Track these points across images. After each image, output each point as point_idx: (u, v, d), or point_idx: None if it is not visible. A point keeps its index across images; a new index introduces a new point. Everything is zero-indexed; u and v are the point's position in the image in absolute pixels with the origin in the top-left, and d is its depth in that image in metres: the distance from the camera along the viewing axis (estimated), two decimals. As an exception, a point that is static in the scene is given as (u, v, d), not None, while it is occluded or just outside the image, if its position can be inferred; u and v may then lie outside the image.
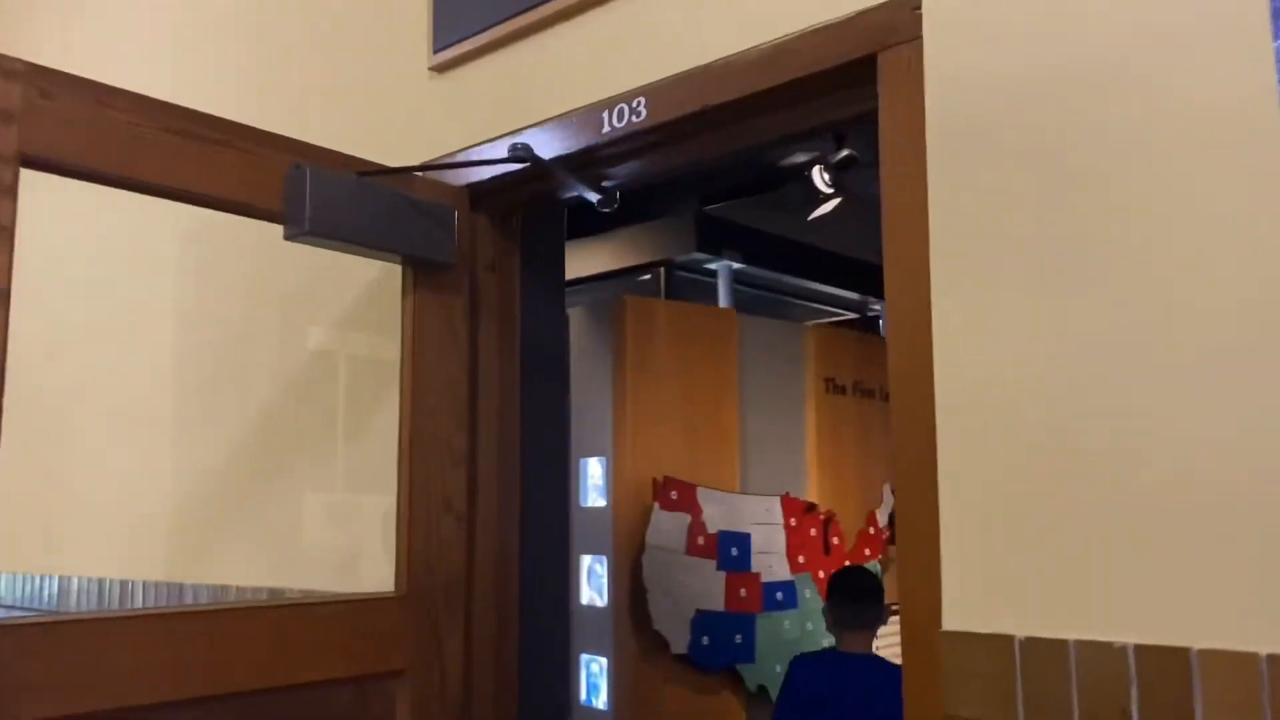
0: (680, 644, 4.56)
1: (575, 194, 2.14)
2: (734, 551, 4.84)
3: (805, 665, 3.80)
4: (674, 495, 4.66)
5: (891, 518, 5.68)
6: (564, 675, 2.46)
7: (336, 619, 1.94)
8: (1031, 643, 1.38)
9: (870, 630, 3.69)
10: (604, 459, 4.75)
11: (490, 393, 2.29)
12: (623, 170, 2.13)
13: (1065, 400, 1.39)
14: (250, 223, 1.94)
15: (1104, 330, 1.36)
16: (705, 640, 4.64)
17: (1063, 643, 1.35)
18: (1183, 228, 1.31)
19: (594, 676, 4.76)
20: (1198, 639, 1.24)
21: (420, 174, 2.17)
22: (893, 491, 5.41)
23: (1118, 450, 1.34)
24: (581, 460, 4.91)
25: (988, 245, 1.49)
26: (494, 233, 2.34)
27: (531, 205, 2.39)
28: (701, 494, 4.76)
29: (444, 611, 2.11)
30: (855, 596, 3.74)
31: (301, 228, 1.88)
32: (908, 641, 1.51)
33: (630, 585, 4.52)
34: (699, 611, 4.65)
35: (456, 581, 2.14)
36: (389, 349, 2.18)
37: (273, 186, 1.87)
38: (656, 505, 4.60)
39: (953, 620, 1.46)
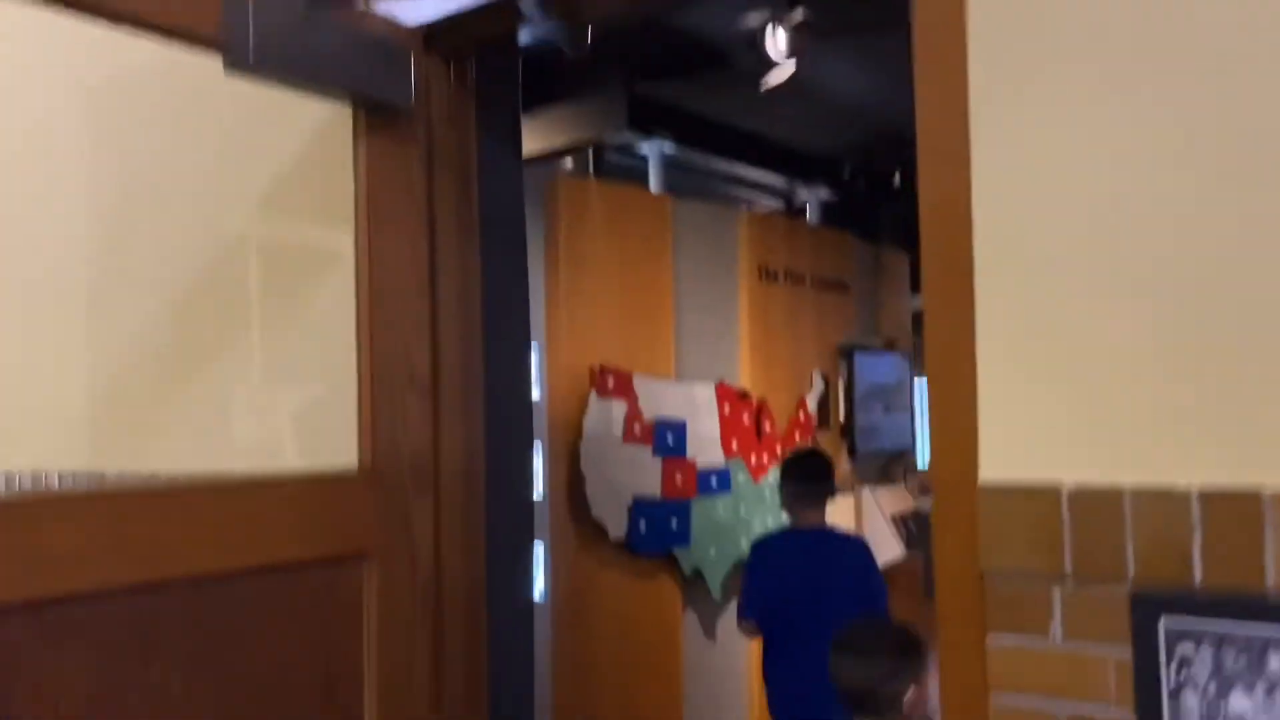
0: (617, 530, 4.50)
1: (541, 33, 1.93)
2: (669, 438, 4.77)
3: (769, 545, 3.80)
4: (611, 383, 4.55)
5: (821, 403, 5.69)
6: (529, 563, 2.34)
7: (296, 498, 1.77)
8: (1081, 491, 1.30)
9: (823, 506, 3.76)
10: (537, 347, 4.59)
11: (449, 256, 2.10)
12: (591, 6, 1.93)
13: (1125, 221, 1.29)
14: (178, 72, 1.70)
15: (1172, 141, 1.25)
16: (642, 526, 4.60)
17: (1116, 490, 1.28)
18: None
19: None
20: (1272, 479, 1.17)
21: (373, 10, 1.94)
22: (823, 378, 5.36)
23: (1184, 274, 1.25)
24: (512, 348, 4.76)
25: (1040, 37, 1.36)
26: (450, 82, 2.12)
27: (489, 52, 2.18)
28: (638, 382, 4.66)
29: (412, 490, 1.97)
30: (812, 476, 3.76)
31: (244, 59, 1.65)
32: (941, 496, 1.42)
33: (568, 475, 4.42)
34: (636, 498, 4.58)
35: (424, 459, 1.99)
36: (333, 214, 1.97)
37: (212, 9, 1.63)
38: (593, 393, 4.48)
39: (991, 470, 1.38)
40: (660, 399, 4.75)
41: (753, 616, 3.64)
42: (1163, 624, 1.24)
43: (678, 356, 4.95)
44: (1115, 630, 1.28)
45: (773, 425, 5.32)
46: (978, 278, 1.40)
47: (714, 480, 4.96)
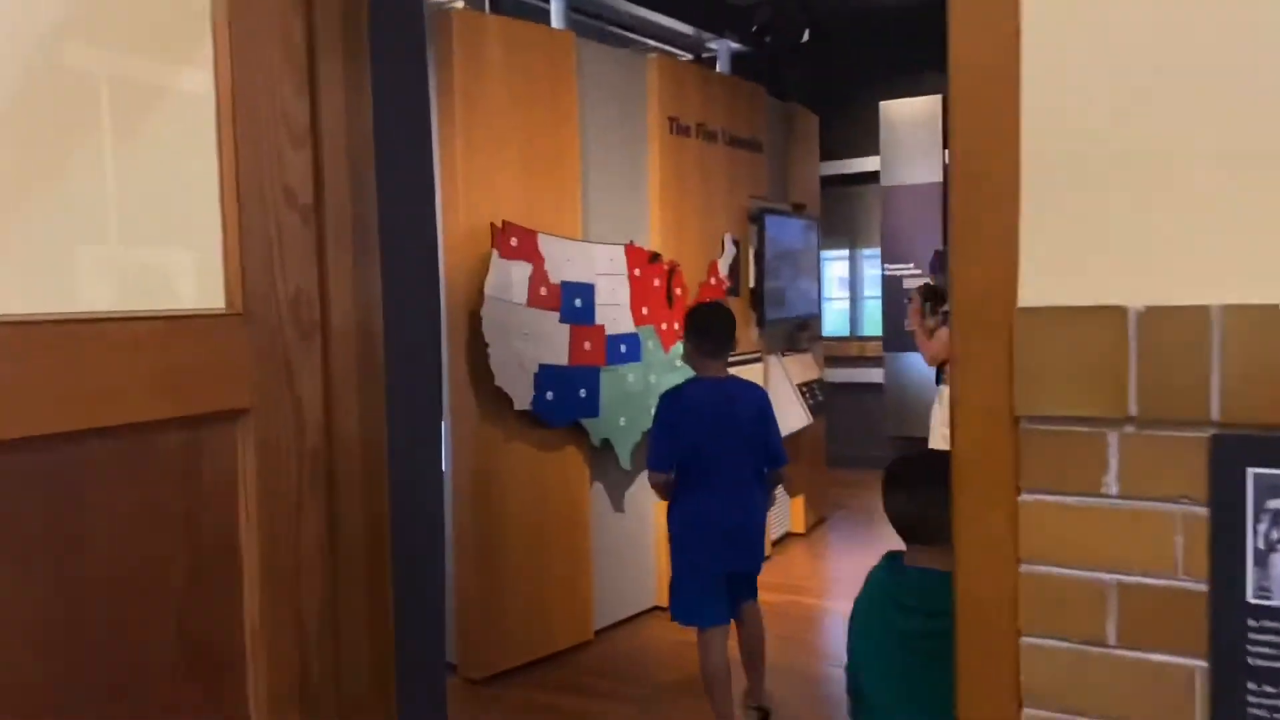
0: (523, 400, 4.21)
1: None
2: (578, 303, 4.46)
3: (675, 394, 3.58)
4: (514, 242, 4.18)
5: (732, 267, 5.42)
6: (438, 428, 2.01)
7: (151, 343, 1.40)
8: (1154, 314, 1.04)
9: (725, 359, 3.59)
10: (431, 201, 4.18)
11: (331, 53, 1.70)
12: None
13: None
14: None
15: None
16: (549, 395, 4.31)
17: (1201, 309, 1.02)
18: None
19: (427, 440, 4.37)
20: None
21: None
22: (734, 243, 5.08)
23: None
24: (403, 204, 4.33)
25: None
26: None
27: None
28: (543, 241, 4.30)
29: (293, 336, 1.61)
30: (715, 328, 3.56)
31: None
32: (964, 325, 1.15)
33: (467, 342, 4.08)
34: (542, 366, 4.28)
35: (308, 298, 1.63)
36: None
37: None
38: (495, 253, 4.11)
39: (1034, 293, 1.11)
40: (567, 261, 4.41)
41: (665, 468, 3.45)
42: (1251, 475, 1.01)
43: (585, 215, 4.59)
44: (1188, 483, 1.04)
45: (684, 290, 5.05)
46: (1024, 43, 1.10)
47: (623, 347, 4.69)
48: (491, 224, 4.10)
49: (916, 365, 8.56)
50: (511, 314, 4.15)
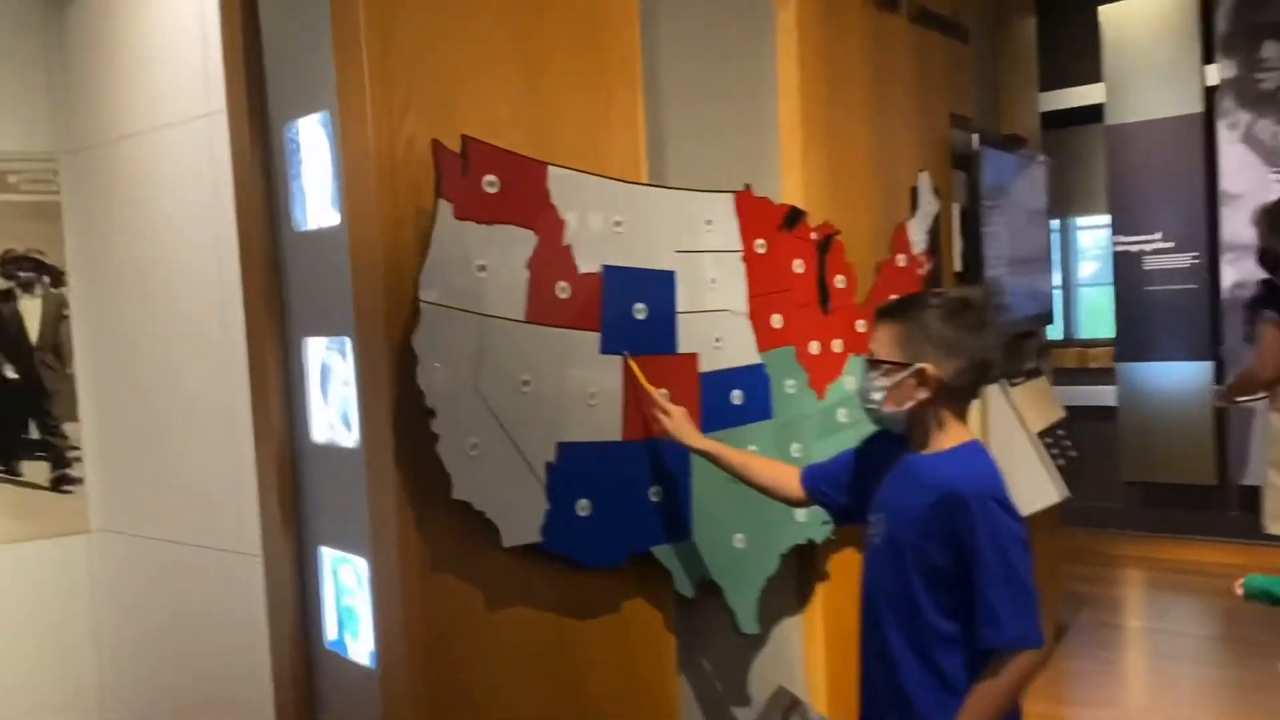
0: (524, 525, 1.98)
1: None
2: (638, 310, 2.20)
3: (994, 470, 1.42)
4: (490, 184, 1.94)
5: (932, 234, 3.07)
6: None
7: None
8: None
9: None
10: (325, 115, 2.00)
11: None
12: None
13: None
14: None
15: None
16: (583, 507, 2.07)
17: None
18: None
19: (347, 593, 2.19)
20: None
21: None
22: (934, 192, 2.67)
23: None
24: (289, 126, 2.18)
25: None
26: None
27: None
28: (560, 184, 2.06)
29: None
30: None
31: None
32: None
33: (395, 400, 1.87)
34: (565, 449, 2.05)
35: None
36: None
37: None
38: (445, 206, 1.88)
39: None
40: (614, 227, 2.16)
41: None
42: None
43: (655, 135, 2.33)
44: None
45: (850, 277, 2.73)
46: None
47: (737, 395, 2.41)
48: (434, 143, 1.88)
49: (1163, 379, 6.00)
50: (488, 340, 1.93)
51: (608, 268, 2.12)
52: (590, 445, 2.09)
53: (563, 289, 2.04)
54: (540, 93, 2.07)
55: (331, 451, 2.16)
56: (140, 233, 3.30)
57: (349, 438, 2.07)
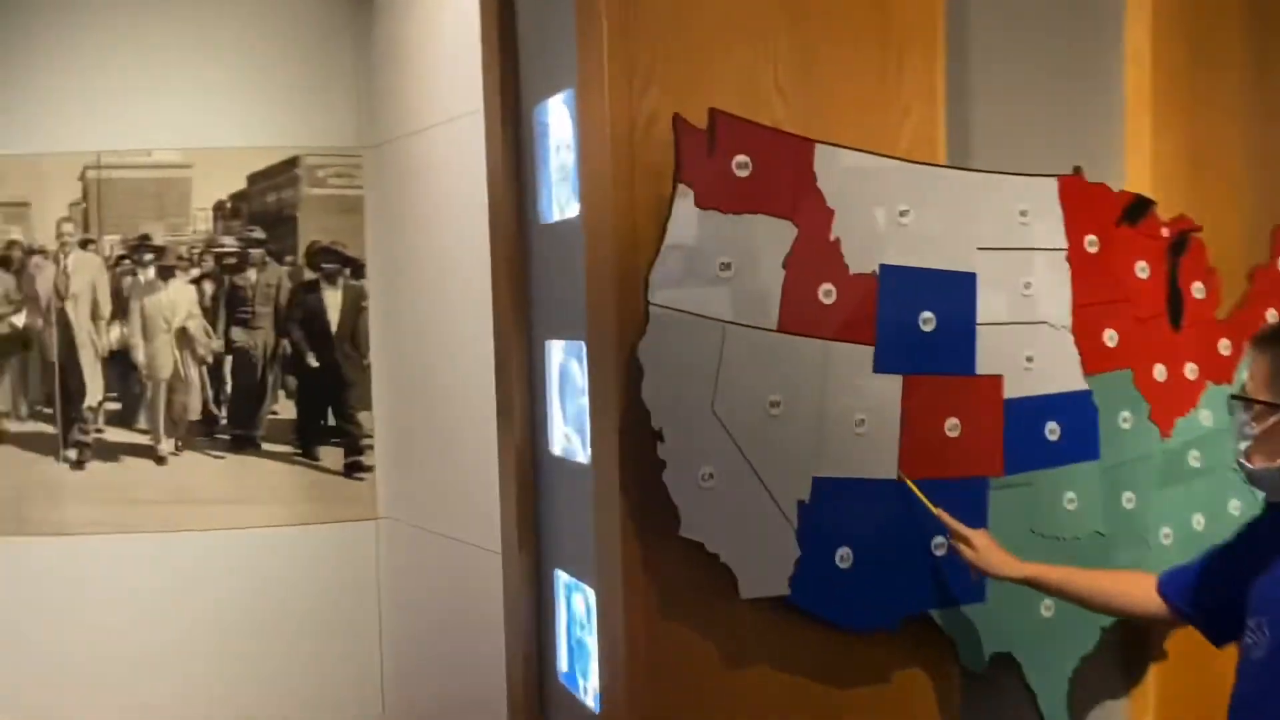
0: (771, 575, 1.66)
1: None
2: (925, 321, 1.80)
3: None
4: (740, 165, 1.63)
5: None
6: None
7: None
8: None
9: None
10: (570, 92, 1.78)
11: None
12: None
13: None
14: None
15: None
16: (843, 557, 1.71)
17: None
18: None
19: (579, 624, 1.97)
20: None
21: None
22: None
23: None
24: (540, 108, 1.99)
25: None
26: None
27: None
28: (829, 163, 1.71)
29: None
30: None
31: None
32: None
33: (627, 415, 1.61)
34: (822, 484, 1.70)
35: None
36: None
37: None
38: (685, 193, 1.59)
39: None
40: (898, 217, 1.77)
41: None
42: None
43: (955, 109, 1.91)
44: None
45: (1212, 287, 2.15)
46: None
47: (1053, 428, 1.93)
48: (676, 118, 1.59)
49: None
50: (731, 352, 1.62)
51: (886, 268, 1.75)
52: (855, 482, 1.73)
53: (827, 293, 1.69)
54: (810, 56, 1.73)
55: (567, 466, 1.94)
56: (426, 227, 3.30)
57: (583, 453, 1.84)
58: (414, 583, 3.52)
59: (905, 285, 1.77)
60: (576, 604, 1.96)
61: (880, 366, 1.74)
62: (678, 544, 1.61)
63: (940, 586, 1.83)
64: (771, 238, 1.64)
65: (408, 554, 3.56)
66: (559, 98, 1.88)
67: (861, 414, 1.73)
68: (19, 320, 3.63)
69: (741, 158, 1.62)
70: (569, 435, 1.94)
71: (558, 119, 1.91)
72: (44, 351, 3.63)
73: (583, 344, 1.79)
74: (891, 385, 1.76)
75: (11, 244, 3.63)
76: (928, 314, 1.80)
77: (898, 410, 1.76)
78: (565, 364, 1.94)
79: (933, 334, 1.80)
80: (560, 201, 1.92)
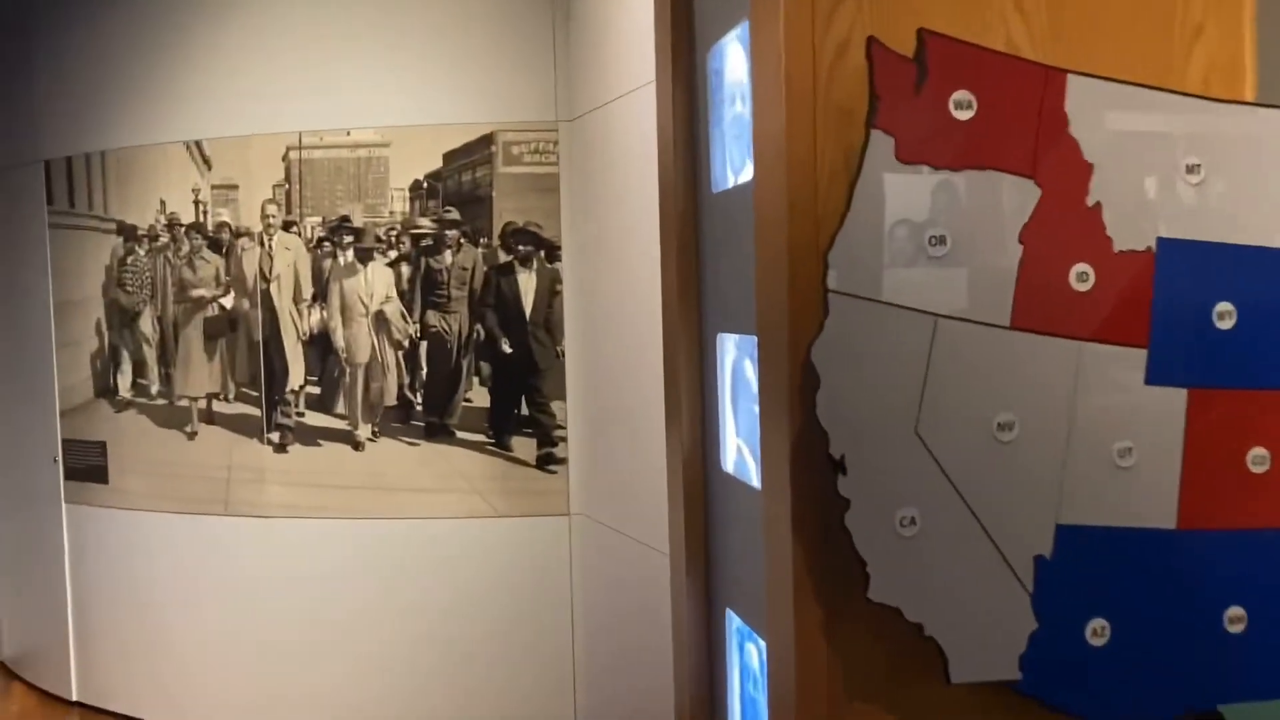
0: (987, 650, 1.24)
1: None
2: (1220, 314, 1.31)
3: None
4: (964, 103, 1.22)
5: None
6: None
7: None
8: None
9: None
10: (744, 28, 1.42)
11: None
12: None
13: None
14: None
15: None
16: (1097, 629, 1.27)
17: None
18: None
19: (751, 679, 1.62)
20: None
21: None
22: None
23: None
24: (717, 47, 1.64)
25: None
26: None
27: None
28: (1088, 102, 1.26)
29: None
30: None
31: None
32: None
33: (802, 433, 1.25)
34: (1068, 533, 1.26)
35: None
36: None
37: None
38: (882, 142, 1.20)
39: None
40: (1182, 174, 1.30)
41: None
42: None
43: (1269, 29, 1.40)
44: None
45: None
46: None
47: (1407, 461, 1.40)
48: (871, 42, 1.20)
49: None
50: (943, 355, 1.21)
51: (1167, 243, 1.28)
52: (1116, 532, 1.28)
53: (1082, 276, 1.25)
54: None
55: (739, 488, 1.60)
56: (619, 205, 3.03)
57: (756, 475, 1.49)
58: (607, 586, 3.27)
59: (1193, 266, 1.30)
60: (750, 655, 1.61)
61: (1156, 376, 1.28)
62: (868, 608, 1.23)
63: (1235, 674, 1.35)
64: (1004, 202, 1.22)
65: (600, 555, 3.31)
66: (733, 34, 1.52)
67: (1127, 440, 1.27)
68: (227, 302, 3.66)
69: (962, 94, 1.20)
70: (742, 449, 1.59)
71: (733, 61, 1.55)
72: (249, 333, 3.64)
73: (755, 340, 1.43)
74: (1171, 402, 1.29)
75: (221, 226, 3.66)
76: (1225, 305, 1.31)
77: (1179, 436, 1.29)
78: (738, 363, 1.59)
79: (1231, 332, 1.32)
80: (734, 164, 1.57)
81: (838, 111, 1.23)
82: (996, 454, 1.23)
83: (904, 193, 1.19)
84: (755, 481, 1.49)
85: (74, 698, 3.97)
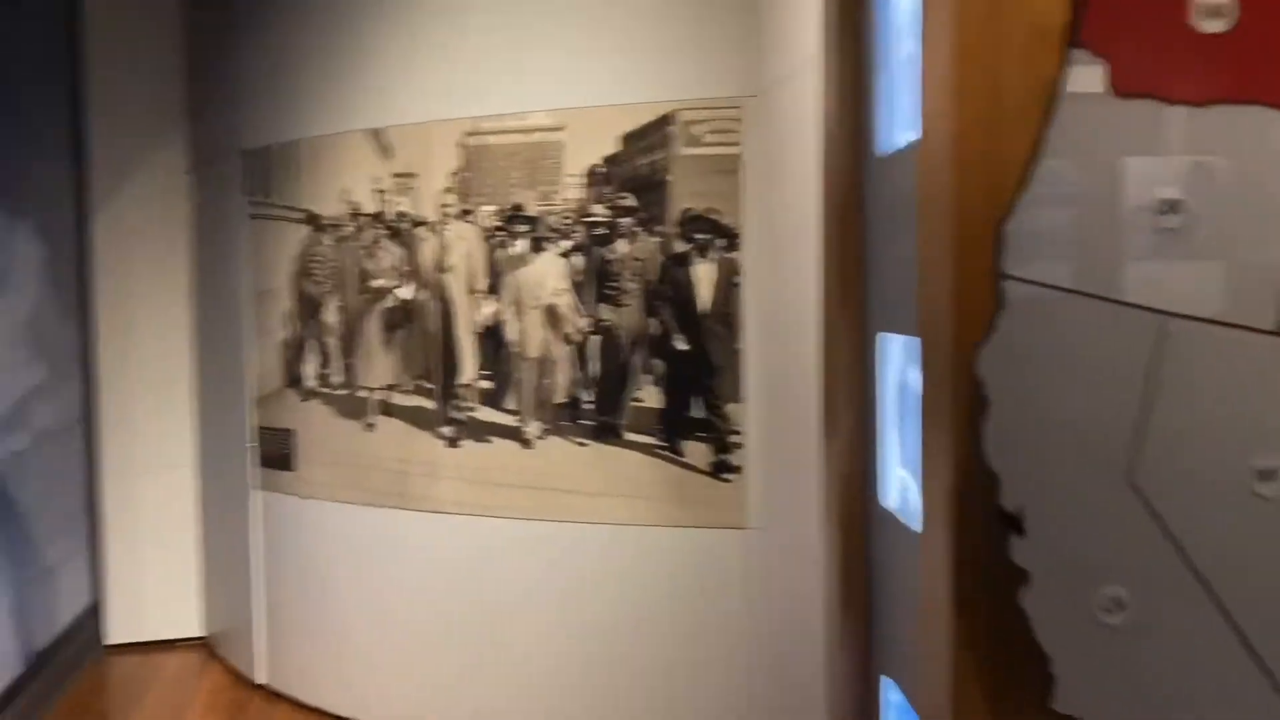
0: None
1: None
2: None
3: None
4: (1214, 9, 0.85)
5: None
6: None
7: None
8: None
9: None
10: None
11: None
12: None
13: None
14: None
15: None
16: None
17: None
18: None
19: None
20: None
21: None
22: None
23: None
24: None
25: None
26: None
27: None
28: None
29: None
30: None
31: None
32: None
33: (968, 475, 0.92)
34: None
35: None
36: None
37: None
38: (1086, 69, 0.85)
39: None
40: None
41: None
42: None
43: None
44: None
45: None
46: None
47: None
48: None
49: None
50: (1177, 372, 0.85)
51: None
52: None
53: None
54: None
55: (898, 529, 1.27)
56: (803, 189, 2.71)
57: (919, 515, 1.16)
58: (783, 612, 2.96)
59: None
60: None
61: None
62: (1055, 718, 0.89)
63: None
64: (1273, 150, 0.85)
65: (779, 575, 3.01)
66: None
67: None
68: (404, 293, 3.59)
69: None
70: (905, 482, 1.27)
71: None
72: (424, 325, 3.56)
73: (919, 341, 1.10)
74: None
75: (401, 215, 3.60)
76: None
77: None
78: (903, 370, 1.26)
79: None
80: (904, 123, 1.24)
81: (1028, 30, 0.89)
82: (1252, 513, 0.86)
83: (1121, 138, 0.84)
84: (918, 525, 1.16)
85: (259, 680, 4.04)
